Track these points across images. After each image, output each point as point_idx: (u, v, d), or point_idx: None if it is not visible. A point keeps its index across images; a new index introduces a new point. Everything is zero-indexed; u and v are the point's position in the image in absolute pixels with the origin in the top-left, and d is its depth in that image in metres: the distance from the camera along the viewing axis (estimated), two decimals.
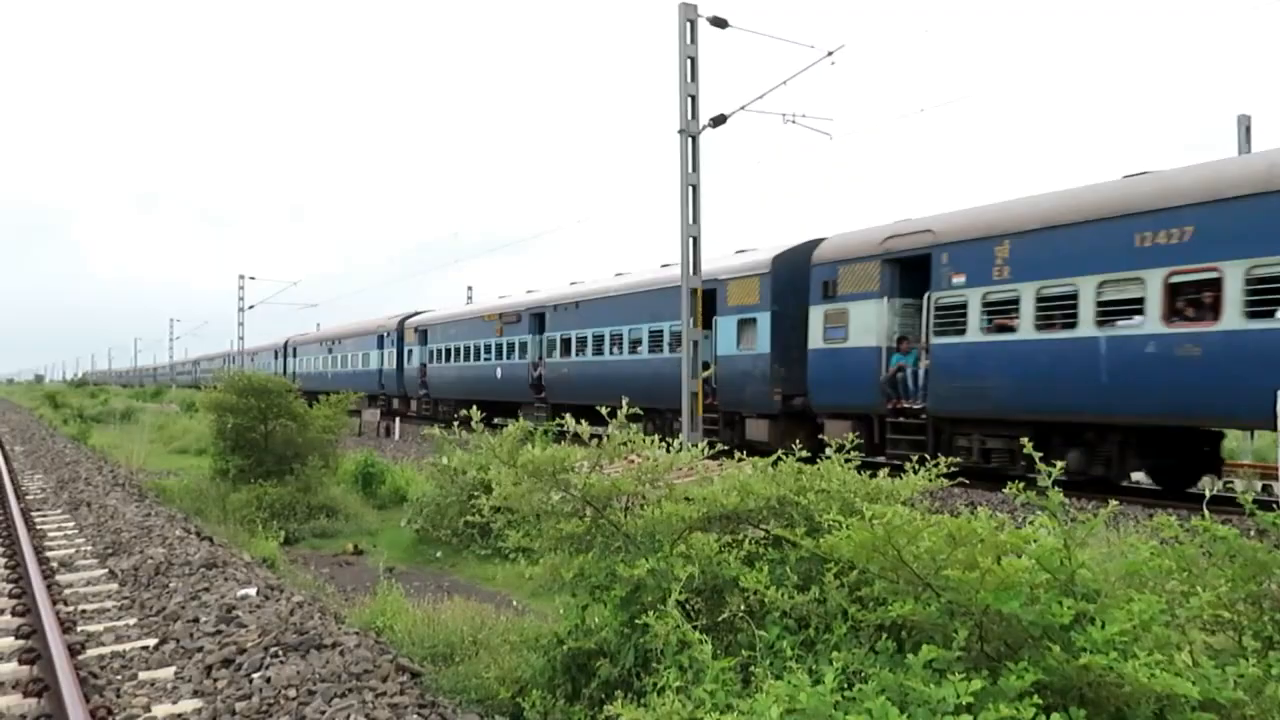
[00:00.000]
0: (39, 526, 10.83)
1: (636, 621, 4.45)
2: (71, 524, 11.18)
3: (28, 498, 13.35)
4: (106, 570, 8.52)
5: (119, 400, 49.25)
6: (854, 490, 4.48)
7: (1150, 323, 11.60)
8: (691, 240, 16.33)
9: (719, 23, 16.28)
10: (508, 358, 27.97)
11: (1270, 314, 10.59)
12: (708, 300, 17.85)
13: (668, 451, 5.28)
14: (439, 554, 11.18)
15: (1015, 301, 13.27)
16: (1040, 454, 3.52)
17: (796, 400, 17.18)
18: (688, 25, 16.17)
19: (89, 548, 9.64)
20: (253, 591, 7.22)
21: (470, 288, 56.86)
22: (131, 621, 6.85)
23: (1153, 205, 11.71)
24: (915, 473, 4.60)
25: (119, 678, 5.58)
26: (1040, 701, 2.75)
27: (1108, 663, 2.74)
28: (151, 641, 6.28)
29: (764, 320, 17.70)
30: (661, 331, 20.48)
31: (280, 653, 5.64)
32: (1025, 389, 13.11)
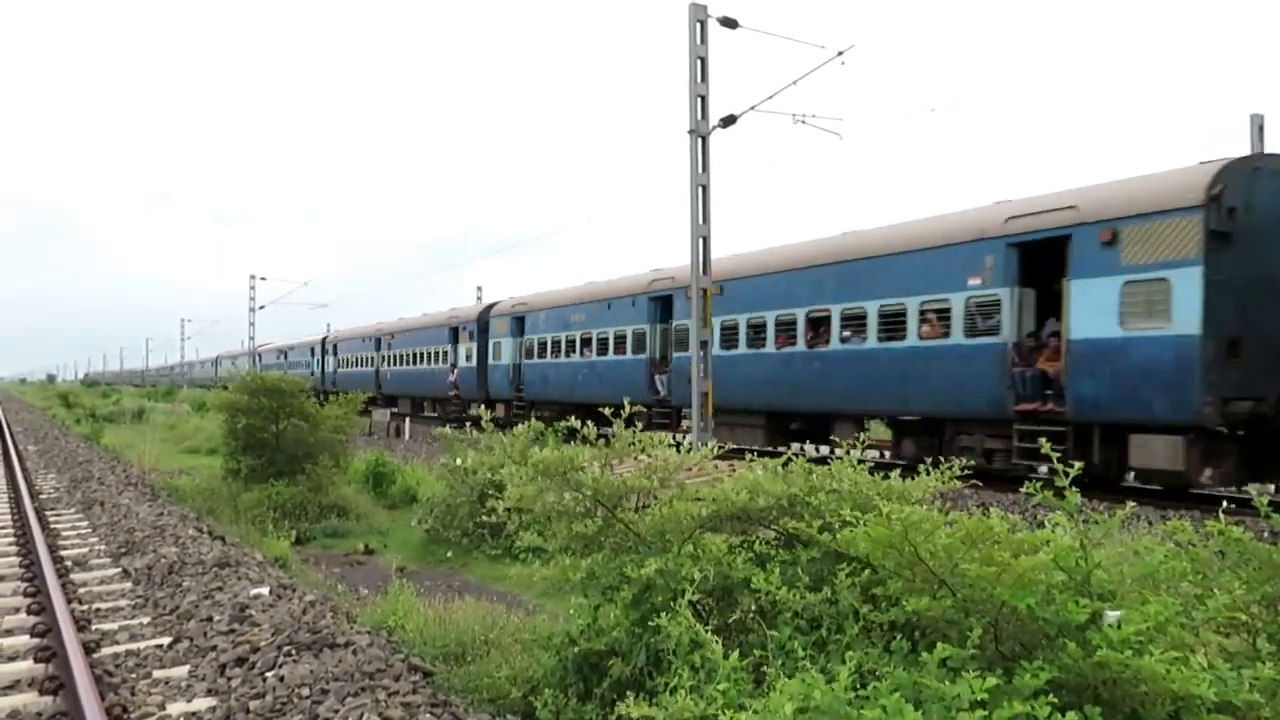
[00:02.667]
0: (53, 525, 10.89)
1: (649, 622, 4.46)
2: (85, 523, 11.23)
3: (41, 497, 13.42)
4: (120, 569, 8.56)
5: (130, 400, 49.47)
6: (866, 490, 4.48)
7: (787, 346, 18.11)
8: (701, 240, 16.32)
9: (729, 23, 16.28)
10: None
11: (847, 339, 16.50)
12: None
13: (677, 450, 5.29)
14: (449, 554, 11.21)
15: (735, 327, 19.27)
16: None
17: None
18: (698, 26, 16.17)
19: (102, 547, 9.68)
20: (265, 591, 7.25)
21: (480, 288, 56.85)
22: (145, 620, 6.88)
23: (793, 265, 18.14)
24: (927, 474, 4.60)
25: (133, 676, 5.60)
26: (1055, 700, 2.75)
27: (1124, 659, 2.74)
28: (165, 640, 6.30)
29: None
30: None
31: (293, 652, 5.66)
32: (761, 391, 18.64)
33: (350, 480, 15.30)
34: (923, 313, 15.02)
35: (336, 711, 4.77)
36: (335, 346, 48.94)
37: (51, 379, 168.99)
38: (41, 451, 22.26)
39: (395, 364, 39.35)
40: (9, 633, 6.52)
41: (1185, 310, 11.21)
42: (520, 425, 5.29)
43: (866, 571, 3.77)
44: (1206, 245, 11.04)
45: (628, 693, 4.26)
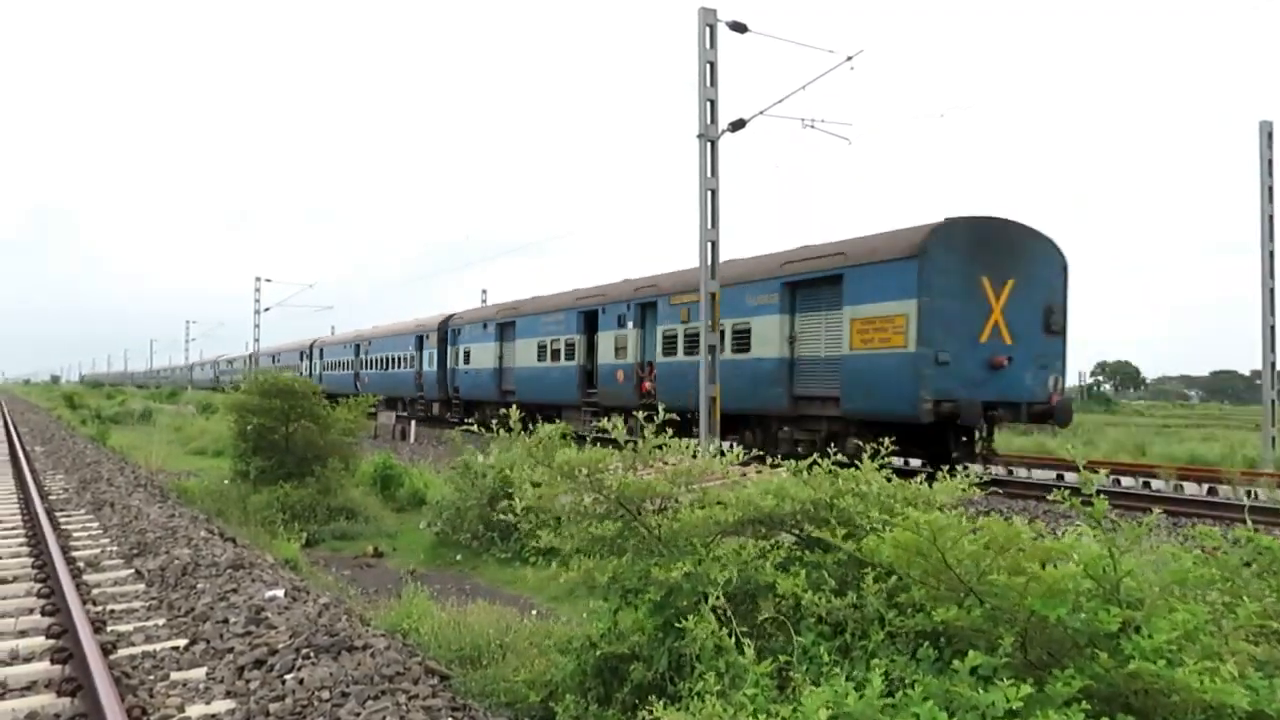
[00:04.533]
0: (63, 526, 10.90)
1: (673, 625, 4.47)
2: (96, 524, 11.25)
3: (51, 497, 13.43)
4: (133, 571, 8.57)
5: (136, 401, 49.53)
6: (892, 495, 4.49)
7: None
8: (710, 245, 16.36)
9: (738, 28, 16.31)
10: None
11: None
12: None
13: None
14: (459, 557, 11.22)
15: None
16: None
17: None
18: (707, 30, 16.21)
19: (114, 548, 9.69)
20: (280, 593, 7.25)
21: (485, 291, 56.88)
22: (161, 622, 6.89)
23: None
24: (952, 479, 4.61)
25: (151, 678, 5.61)
26: (1088, 708, 2.75)
27: (1158, 670, 2.74)
28: (182, 642, 6.31)
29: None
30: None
31: (312, 654, 5.67)
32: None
33: (358, 483, 15.32)
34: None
35: (358, 715, 4.77)
36: (321, 350, 51.87)
37: (55, 380, 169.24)
38: (49, 452, 22.28)
39: (370, 367, 42.90)
40: (24, 634, 6.53)
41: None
42: (547, 425, 5.31)
43: (892, 577, 3.78)
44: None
45: (650, 697, 4.28)
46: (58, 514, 11.84)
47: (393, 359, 40.30)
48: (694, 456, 5.36)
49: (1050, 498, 3.97)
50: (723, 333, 17.80)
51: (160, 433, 26.49)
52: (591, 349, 24.60)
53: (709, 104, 16.27)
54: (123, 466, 17.98)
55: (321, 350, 52.21)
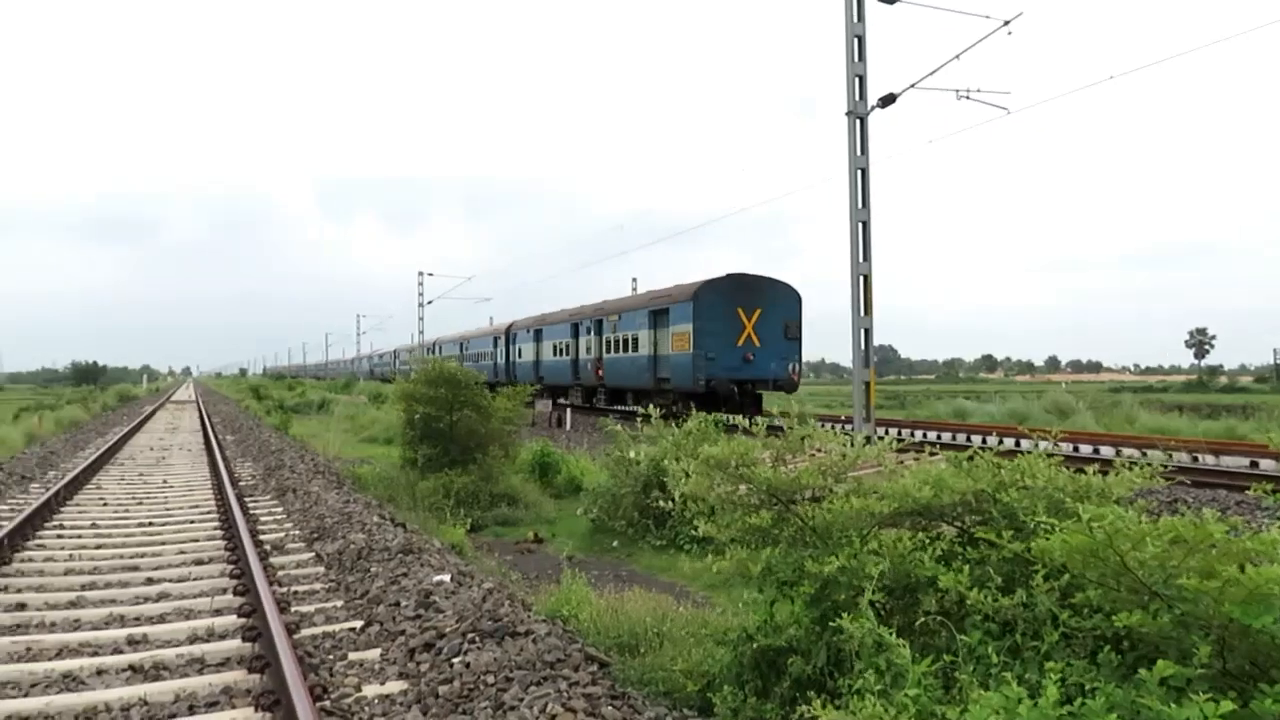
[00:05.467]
0: (252, 511, 11.69)
1: (828, 620, 4.37)
2: (280, 509, 12.01)
3: (240, 484, 14.43)
4: (314, 554, 9.09)
5: (314, 392, 52.57)
6: (1061, 487, 4.23)
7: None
8: (861, 225, 15.91)
9: None
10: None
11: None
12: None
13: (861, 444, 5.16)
14: (615, 543, 11.37)
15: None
16: None
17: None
18: (854, 3, 15.74)
19: (297, 532, 10.32)
20: (447, 578, 7.53)
21: (635, 279, 57.33)
22: (339, 604, 7.28)
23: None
24: (1130, 469, 4.31)
25: (330, 657, 5.93)
26: None
27: None
28: (358, 624, 6.65)
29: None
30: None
31: (477, 639, 5.85)
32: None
33: (518, 470, 15.75)
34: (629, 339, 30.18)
35: (521, 700, 4.89)
36: (440, 347, 58.18)
37: (243, 373, 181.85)
38: (238, 441, 23.94)
39: (466, 362, 49.22)
40: (219, 613, 7.02)
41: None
42: (691, 420, 5.28)
43: (1065, 575, 3.56)
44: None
45: (809, 693, 4.20)
46: (246, 499, 12.70)
47: (478, 354, 45.65)
48: (847, 445, 5.23)
49: (1251, 491, 3.65)
50: (623, 340, 30.38)
51: (336, 422, 27.99)
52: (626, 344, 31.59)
53: (857, 79, 15.80)
54: (303, 454, 19.11)
55: (440, 346, 56.33)
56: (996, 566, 4.14)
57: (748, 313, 25.65)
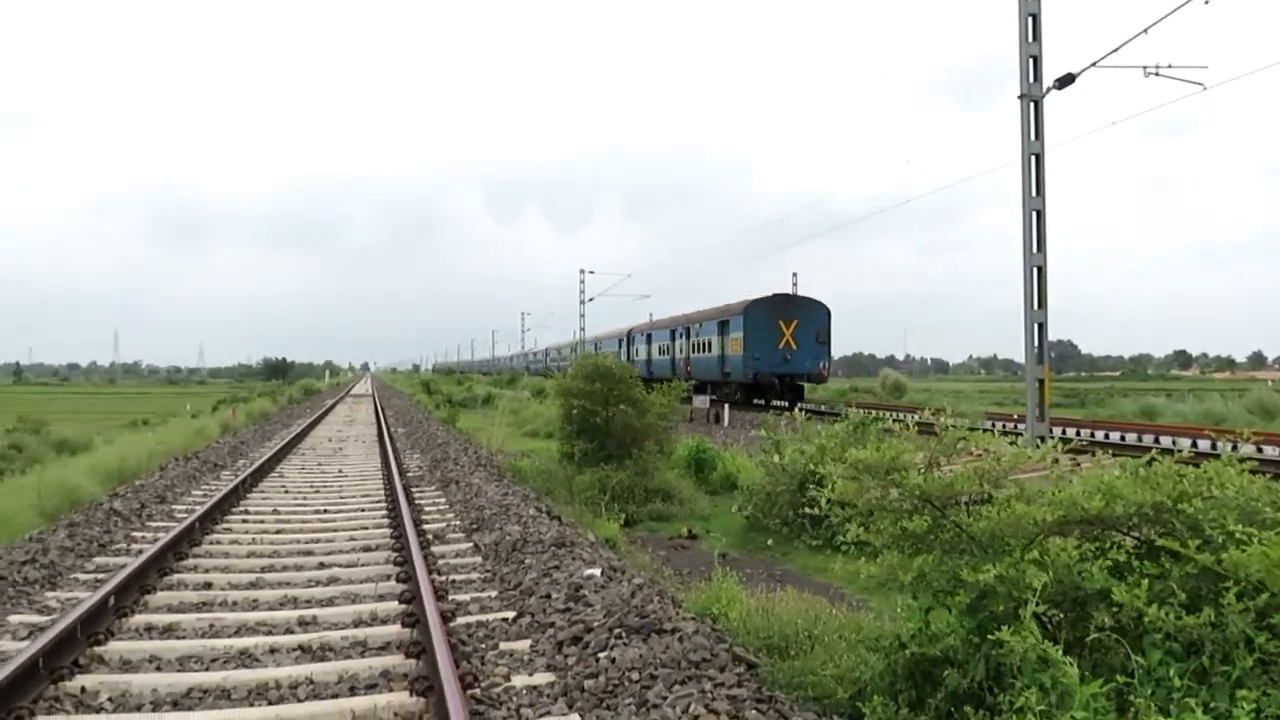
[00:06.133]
0: (417, 501, 12.18)
1: (987, 631, 4.12)
2: (443, 500, 12.46)
3: (408, 475, 15.08)
4: (472, 544, 9.37)
5: (480, 387, 54.51)
6: (1255, 498, 3.83)
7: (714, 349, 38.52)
8: (1034, 214, 15.05)
9: None
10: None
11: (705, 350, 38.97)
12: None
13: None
14: (770, 542, 11.20)
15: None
16: None
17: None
18: None
19: (457, 522, 10.67)
20: (597, 572, 7.58)
21: (795, 274, 56.96)
22: (493, 594, 7.45)
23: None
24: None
25: (483, 646, 6.07)
26: None
27: None
28: (510, 614, 6.78)
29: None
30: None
31: (623, 634, 5.85)
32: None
33: (673, 465, 15.76)
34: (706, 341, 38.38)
35: (664, 699, 4.85)
36: (579, 347, 62.52)
37: (415, 368, 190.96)
38: (408, 434, 25.08)
39: (563, 364, 56.29)
40: (381, 598, 7.32)
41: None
42: (839, 422, 5.10)
43: (1263, 595, 3.21)
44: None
45: (966, 708, 3.96)
46: (413, 489, 13.26)
47: (700, 344, 46.73)
48: (1008, 446, 4.92)
49: None
50: (702, 344, 38.71)
51: (500, 416, 28.83)
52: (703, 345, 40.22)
53: (1031, 60, 14.95)
54: (467, 447, 19.81)
55: (640, 336, 55.80)
56: (1179, 581, 3.80)
57: (786, 323, 33.66)
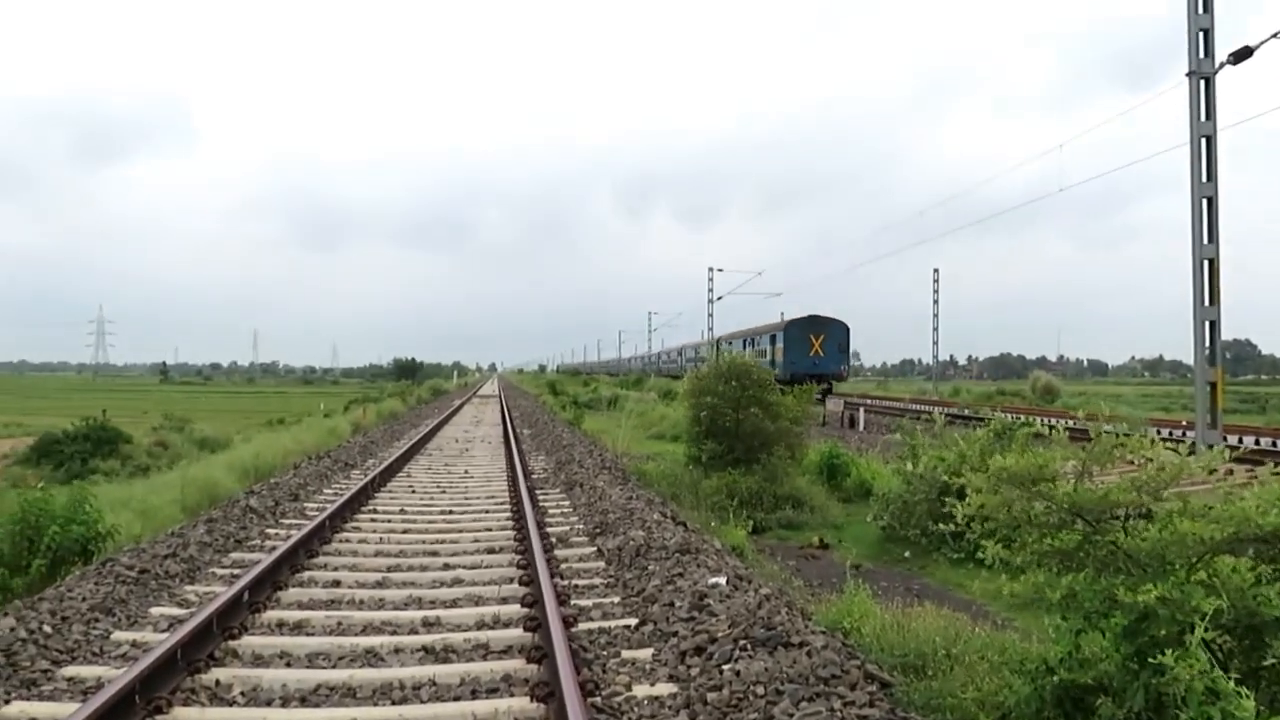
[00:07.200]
0: (541, 504, 12.26)
1: (1147, 658, 3.76)
2: (567, 503, 12.50)
3: (533, 477, 15.22)
4: (595, 549, 9.32)
5: (606, 388, 54.96)
6: None
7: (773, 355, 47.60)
8: (1205, 201, 13.94)
9: None
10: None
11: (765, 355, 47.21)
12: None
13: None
14: (907, 554, 10.78)
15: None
16: None
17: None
18: None
19: (581, 526, 10.66)
20: (723, 580, 7.39)
21: (936, 270, 55.56)
22: (615, 600, 7.36)
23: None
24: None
25: (604, 654, 5.98)
26: None
27: None
28: (632, 621, 6.67)
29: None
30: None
31: (749, 646, 5.66)
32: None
33: (804, 471, 15.39)
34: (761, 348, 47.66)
35: (791, 715, 4.64)
36: (685, 350, 72.50)
37: (542, 369, 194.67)
38: (534, 435, 25.40)
39: (693, 363, 61.24)
40: (504, 601, 7.34)
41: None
42: (981, 429, 4.77)
43: None
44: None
45: None
46: (537, 492, 13.37)
47: (759, 350, 54.18)
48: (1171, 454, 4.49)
49: None
50: (762, 351, 46.15)
51: (625, 418, 28.88)
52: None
53: (1201, 34, 13.87)
54: (592, 449, 19.87)
55: (724, 343, 59.42)
56: None
57: (815, 337, 43.63)
